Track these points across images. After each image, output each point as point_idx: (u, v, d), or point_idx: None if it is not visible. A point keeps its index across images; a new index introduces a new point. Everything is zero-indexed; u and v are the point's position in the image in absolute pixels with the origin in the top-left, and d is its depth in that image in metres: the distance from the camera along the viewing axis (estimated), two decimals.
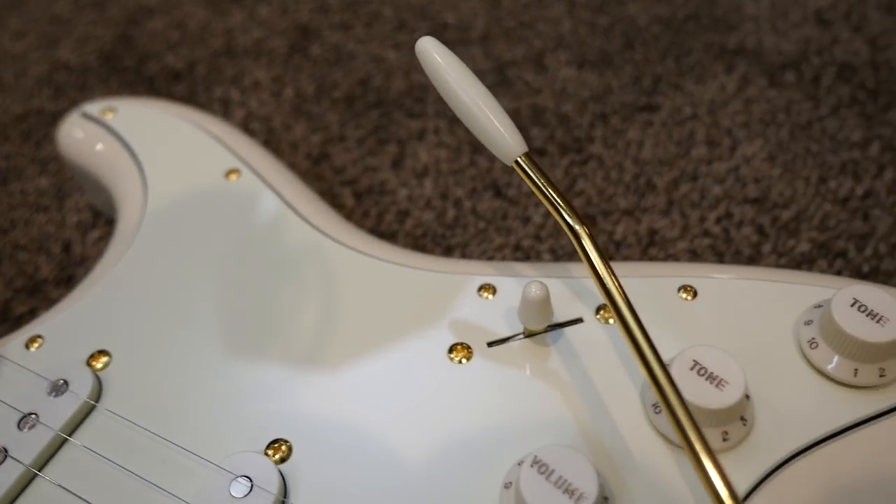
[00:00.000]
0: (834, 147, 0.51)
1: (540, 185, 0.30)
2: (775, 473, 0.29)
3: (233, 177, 0.40)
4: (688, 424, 0.25)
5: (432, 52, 0.31)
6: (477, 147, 0.53)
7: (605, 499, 0.28)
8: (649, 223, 0.47)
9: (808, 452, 0.29)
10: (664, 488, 0.29)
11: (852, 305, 0.30)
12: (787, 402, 0.30)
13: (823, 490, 0.28)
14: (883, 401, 0.30)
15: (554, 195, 0.29)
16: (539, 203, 0.49)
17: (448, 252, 0.47)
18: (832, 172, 0.49)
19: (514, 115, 0.54)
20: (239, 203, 0.39)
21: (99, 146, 0.43)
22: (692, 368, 0.29)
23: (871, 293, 0.31)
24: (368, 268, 0.36)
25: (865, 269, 0.44)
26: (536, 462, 0.27)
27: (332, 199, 0.50)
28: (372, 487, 0.29)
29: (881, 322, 0.30)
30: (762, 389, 0.31)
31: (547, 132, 0.53)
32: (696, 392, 0.28)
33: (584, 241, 0.29)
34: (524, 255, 0.46)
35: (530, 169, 0.30)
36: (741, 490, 0.28)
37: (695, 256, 0.45)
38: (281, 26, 0.63)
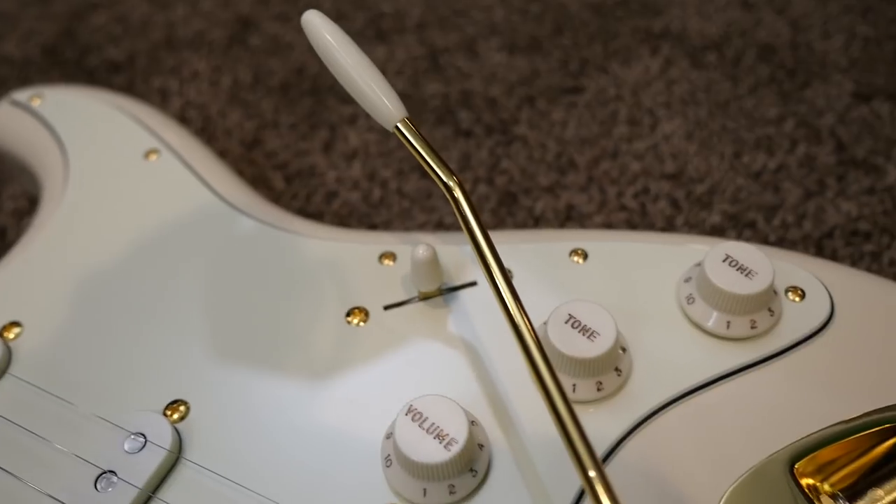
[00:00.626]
0: (750, 124, 0.52)
1: (417, 147, 0.31)
2: (649, 421, 0.30)
3: (152, 157, 0.41)
4: (547, 376, 0.26)
5: (317, 25, 0.32)
6: None
7: (481, 446, 0.29)
8: (568, 199, 0.48)
9: (681, 401, 0.30)
10: (543, 441, 0.30)
11: (724, 261, 0.32)
12: (663, 354, 0.32)
13: (695, 437, 0.29)
14: (754, 352, 0.31)
15: (428, 157, 0.31)
16: (463, 181, 0.50)
17: (371, 229, 0.48)
18: (747, 148, 0.51)
19: (444, 100, 0.55)
20: (157, 182, 0.40)
21: (25, 131, 0.44)
22: (566, 322, 0.30)
23: (742, 250, 0.32)
24: (275, 239, 0.37)
25: (772, 238, 0.45)
26: (411, 410, 0.28)
27: (263, 182, 0.51)
28: (266, 444, 0.30)
29: (750, 276, 0.31)
30: (641, 343, 0.32)
31: (474, 115, 0.54)
32: (569, 344, 0.30)
33: (455, 193, 0.30)
34: (445, 231, 0.47)
35: (409, 133, 0.31)
36: (612, 437, 0.29)
37: (610, 229, 0.47)
38: (222, 18, 0.64)
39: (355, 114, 0.55)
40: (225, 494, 0.29)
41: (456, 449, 0.27)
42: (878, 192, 0.47)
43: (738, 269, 0.31)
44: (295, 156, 0.53)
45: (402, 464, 0.28)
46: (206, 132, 0.55)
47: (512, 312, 0.27)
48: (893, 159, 0.49)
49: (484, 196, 0.49)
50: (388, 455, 0.29)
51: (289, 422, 0.31)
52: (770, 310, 0.32)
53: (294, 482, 0.29)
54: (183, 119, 0.56)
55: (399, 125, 0.31)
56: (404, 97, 0.55)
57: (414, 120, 0.32)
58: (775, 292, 0.32)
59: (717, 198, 0.48)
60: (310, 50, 0.60)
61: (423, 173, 0.51)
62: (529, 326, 0.27)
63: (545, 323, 0.30)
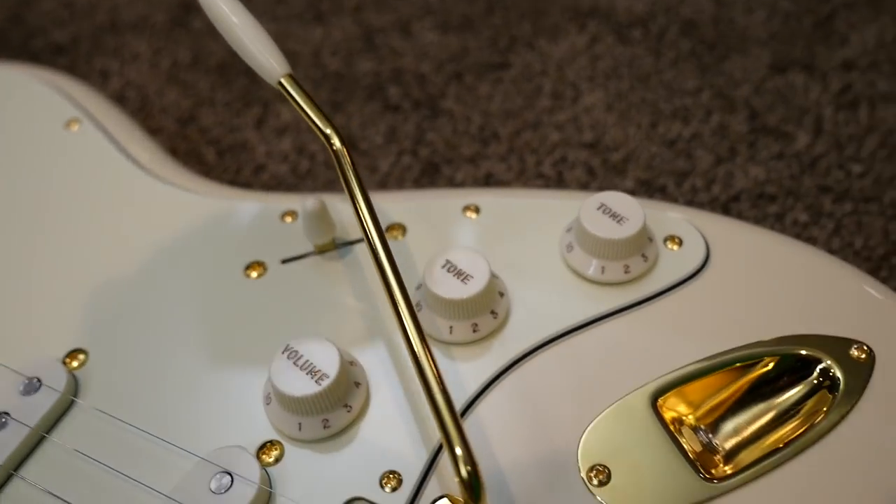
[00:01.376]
0: (668, 95, 0.53)
1: (300, 102, 0.32)
2: (524, 361, 0.31)
3: (73, 126, 0.43)
4: (409, 320, 0.27)
5: None
6: (337, 105, 0.55)
7: (358, 384, 0.30)
8: (488, 168, 0.50)
9: (555, 343, 0.31)
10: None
11: (598, 209, 0.33)
12: (542, 299, 0.33)
13: (567, 375, 0.31)
14: (628, 296, 0.32)
15: (310, 111, 0.32)
16: (388, 153, 0.51)
17: None
18: (663, 118, 0.52)
19: (375, 77, 0.57)
20: (78, 151, 0.41)
21: None
22: (443, 267, 0.31)
23: (616, 199, 0.33)
24: (186, 200, 0.38)
25: (681, 201, 0.47)
26: (287, 349, 0.29)
27: (195, 157, 0.52)
28: (160, 389, 0.31)
29: (621, 222, 0.32)
30: (522, 289, 0.33)
31: (403, 91, 0.55)
32: (444, 287, 0.31)
33: (333, 142, 0.31)
34: None
35: (292, 89, 0.32)
36: (485, 376, 0.31)
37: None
38: (165, 2, 0.65)
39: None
40: (117, 434, 0.30)
41: (326, 383, 0.28)
42: (786, 157, 0.49)
43: (610, 217, 0.32)
44: (228, 132, 0.54)
45: (279, 400, 0.29)
46: (144, 111, 0.56)
47: (384, 268, 0.28)
48: (804, 126, 0.50)
49: (407, 167, 0.50)
50: (269, 393, 0.30)
51: (183, 368, 0.32)
52: (644, 256, 0.33)
53: (183, 423, 0.30)
54: (121, 98, 0.57)
55: (282, 80, 0.32)
56: (337, 76, 0.56)
57: (300, 81, 0.33)
58: (651, 240, 0.33)
59: (631, 165, 0.49)
60: None
61: (353, 146, 0.52)
62: (395, 272, 0.28)
63: None
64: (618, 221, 0.32)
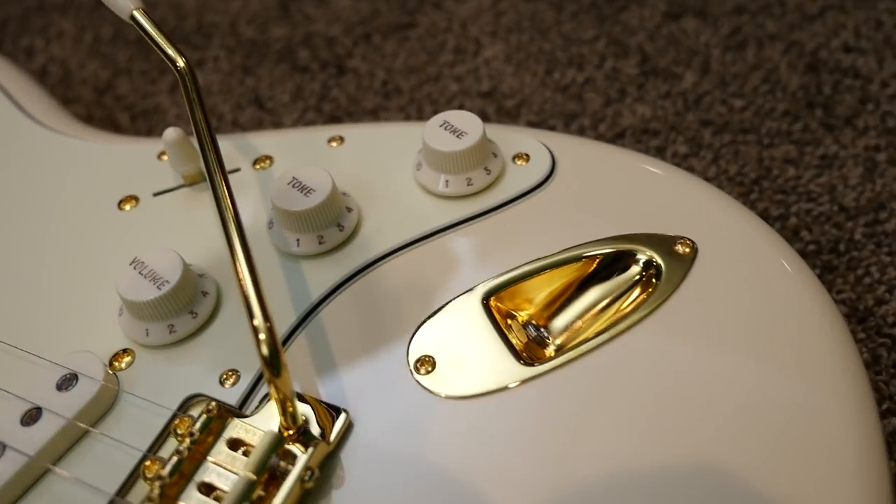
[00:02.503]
0: (566, 45, 0.55)
1: (151, 33, 0.34)
2: (370, 269, 0.33)
3: None
4: (235, 237, 0.28)
5: None
6: (248, 70, 0.57)
7: (205, 293, 0.32)
8: (387, 118, 0.51)
9: (400, 252, 0.33)
10: (272, 289, 0.32)
11: (441, 126, 0.34)
12: (390, 214, 0.34)
13: (410, 281, 0.32)
14: (472, 207, 0.34)
15: (162, 42, 0.33)
16: (293, 110, 0.53)
17: None
18: (559, 66, 0.53)
19: (287, 42, 0.58)
20: None
21: None
22: (289, 183, 0.33)
23: (459, 116, 0.35)
24: (69, 145, 0.40)
25: None
26: (134, 261, 0.31)
27: (110, 122, 0.54)
28: (25, 307, 0.33)
29: (461, 136, 0.34)
30: (373, 206, 0.35)
31: (312, 53, 0.57)
32: (287, 201, 0.32)
33: (178, 64, 0.33)
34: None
35: (145, 21, 0.34)
36: (328, 284, 0.32)
37: None
38: None
39: (203, 58, 0.58)
40: None
41: (167, 288, 0.30)
42: (672, 96, 0.50)
43: (451, 132, 0.34)
44: (142, 98, 0.56)
45: (128, 308, 0.31)
46: (64, 83, 0.58)
47: (215, 184, 0.30)
48: (693, 67, 0.52)
49: (310, 121, 0.52)
50: (121, 305, 0.31)
51: (51, 287, 0.34)
52: (486, 169, 0.34)
53: (47, 336, 0.32)
54: (44, 73, 0.59)
55: (134, 13, 0.34)
56: (251, 43, 0.58)
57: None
58: (495, 155, 0.35)
59: (524, 109, 0.51)
60: (171, 6, 0.63)
61: (260, 106, 0.54)
62: (227, 194, 0.30)
63: None
64: (458, 136, 0.34)
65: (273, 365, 0.25)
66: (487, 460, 0.26)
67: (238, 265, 0.27)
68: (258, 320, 0.26)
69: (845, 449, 0.25)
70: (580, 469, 0.25)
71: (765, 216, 0.42)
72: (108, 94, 0.56)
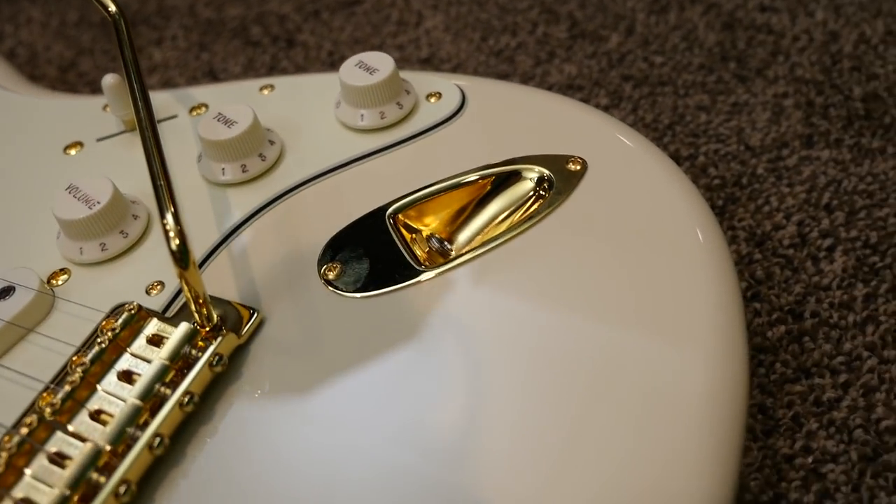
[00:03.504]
0: (501, 14, 0.58)
1: None
2: (289, 195, 0.35)
3: None
4: (157, 167, 0.31)
5: None
6: (204, 46, 0.60)
7: (136, 216, 0.34)
8: None
9: (316, 180, 0.36)
10: (199, 213, 0.35)
11: (356, 65, 0.37)
12: (310, 147, 0.37)
13: (323, 206, 0.35)
14: (387, 137, 0.37)
15: None
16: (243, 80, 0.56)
17: None
18: (494, 33, 0.56)
19: (241, 20, 0.61)
20: None
21: None
22: (214, 118, 0.36)
23: (374, 56, 0.37)
24: (21, 101, 0.43)
25: None
26: (70, 187, 0.33)
27: None
28: None
29: (373, 73, 0.37)
30: (295, 141, 0.37)
31: (264, 29, 0.60)
32: (212, 132, 0.35)
33: (110, 9, 0.36)
34: None
35: None
36: (249, 208, 0.34)
37: None
38: None
39: (162, 37, 0.61)
40: None
41: (97, 208, 0.32)
42: (598, 55, 0.53)
43: (365, 70, 0.37)
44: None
45: (63, 229, 0.33)
46: (31, 63, 0.61)
47: (141, 119, 0.32)
48: (618, 30, 0.55)
49: None
50: (59, 230, 0.34)
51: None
52: (399, 104, 0.37)
53: None
54: (12, 55, 0.62)
55: None
56: (208, 23, 0.61)
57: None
58: (408, 92, 0.38)
59: (459, 72, 0.53)
60: None
61: (214, 77, 0.56)
62: (150, 127, 0.32)
63: None
64: (371, 73, 0.37)
65: (182, 258, 0.28)
66: (381, 351, 0.29)
67: (154, 166, 0.30)
68: (168, 220, 0.28)
69: (704, 333, 0.27)
70: (474, 353, 0.28)
71: (675, 157, 0.45)
72: (72, 71, 0.59)
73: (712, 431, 0.25)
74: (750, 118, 0.47)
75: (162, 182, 0.29)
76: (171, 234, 0.28)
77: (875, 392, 0.33)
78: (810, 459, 0.32)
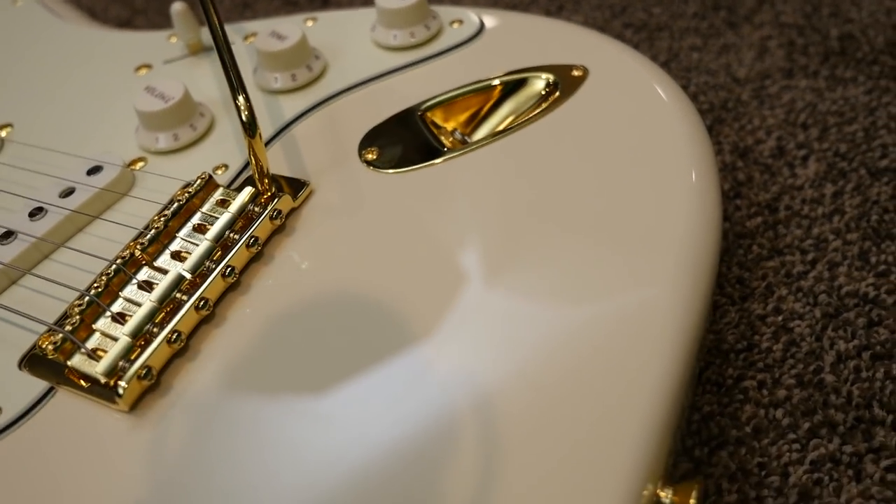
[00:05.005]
0: None
1: None
2: (332, 100, 0.40)
3: (18, 3, 0.53)
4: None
5: None
6: (248, 5, 0.65)
7: (202, 114, 0.40)
8: None
9: (355, 89, 0.41)
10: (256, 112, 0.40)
11: None
12: (350, 62, 0.42)
13: (361, 107, 0.40)
14: (415, 55, 0.42)
15: None
16: None
17: None
18: None
19: None
20: (21, 19, 0.52)
21: None
22: (269, 35, 0.41)
23: None
24: (98, 36, 0.48)
25: None
26: (147, 87, 0.39)
27: None
28: (65, 135, 0.41)
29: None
30: (337, 57, 0.42)
31: None
32: (268, 45, 0.40)
33: None
34: None
35: None
36: (297, 111, 0.40)
37: None
38: None
39: None
40: (35, 156, 0.40)
41: (172, 102, 0.38)
42: (602, 7, 0.58)
43: None
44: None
45: (142, 122, 0.39)
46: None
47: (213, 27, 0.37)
48: None
49: None
50: (137, 124, 0.39)
51: (81, 122, 0.42)
52: (426, 26, 0.42)
53: (84, 150, 0.40)
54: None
55: None
56: None
57: None
58: (434, 17, 0.43)
59: None
60: None
61: None
62: (219, 27, 0.38)
63: None
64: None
65: (250, 128, 0.33)
66: (409, 210, 0.33)
67: (225, 59, 0.35)
68: (240, 99, 0.33)
69: (681, 234, 0.31)
70: (478, 213, 0.33)
71: None
72: (128, 27, 0.65)
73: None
74: (737, 56, 0.52)
75: (233, 72, 0.34)
76: (243, 109, 0.33)
77: (838, 266, 0.38)
78: (780, 318, 0.37)
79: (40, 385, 0.30)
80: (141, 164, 0.38)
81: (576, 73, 0.39)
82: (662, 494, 0.26)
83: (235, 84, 0.34)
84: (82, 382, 0.29)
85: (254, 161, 0.34)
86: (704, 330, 0.28)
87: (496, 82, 0.39)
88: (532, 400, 0.26)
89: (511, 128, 0.37)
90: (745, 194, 0.42)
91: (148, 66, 0.45)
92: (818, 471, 0.31)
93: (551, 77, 0.39)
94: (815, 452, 0.32)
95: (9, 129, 0.42)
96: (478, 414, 0.26)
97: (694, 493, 0.26)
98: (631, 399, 0.26)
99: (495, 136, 0.36)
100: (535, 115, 0.37)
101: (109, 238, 0.34)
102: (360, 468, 0.25)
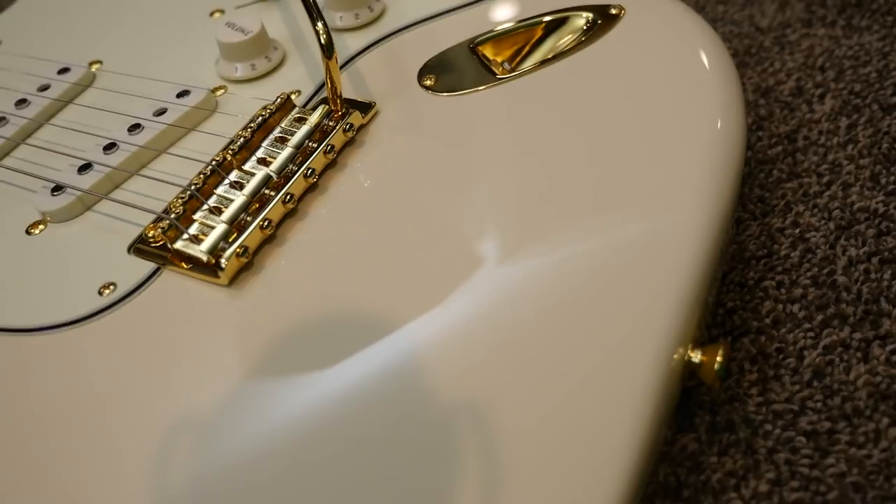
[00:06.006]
0: None
1: None
2: (394, 36, 0.44)
3: None
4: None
5: None
6: None
7: (275, 48, 0.44)
8: None
9: (414, 27, 0.45)
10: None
11: None
12: (407, 2, 0.46)
13: (418, 45, 0.43)
14: None
15: None
16: None
17: None
18: None
19: None
20: None
21: None
22: None
23: None
24: None
25: None
26: (228, 22, 0.43)
27: None
28: (148, 65, 0.45)
29: None
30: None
31: None
32: None
33: None
34: None
35: None
36: (359, 46, 0.44)
37: None
38: None
39: None
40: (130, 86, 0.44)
41: (249, 35, 0.42)
42: None
43: None
44: None
45: (223, 53, 0.43)
46: None
47: None
48: None
49: None
50: (217, 57, 0.44)
51: (163, 57, 0.46)
52: None
53: (177, 77, 0.44)
54: None
55: None
56: None
57: None
58: None
59: None
60: None
61: None
62: None
63: None
64: None
65: (328, 50, 0.37)
66: (465, 131, 0.37)
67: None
68: (319, 25, 0.37)
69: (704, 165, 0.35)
70: (521, 133, 0.37)
71: None
72: None
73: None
74: (760, 9, 0.55)
75: (312, 1, 0.38)
76: (322, 33, 0.37)
77: (851, 187, 0.42)
78: (797, 230, 0.40)
79: (148, 266, 0.34)
80: (221, 91, 0.42)
81: (613, 10, 0.42)
82: (692, 355, 0.30)
83: (314, 11, 0.38)
84: (183, 264, 0.33)
85: (329, 81, 0.37)
86: (730, 235, 0.32)
87: (540, 21, 0.43)
88: (583, 277, 0.30)
89: (552, 58, 0.40)
90: (767, 127, 0.46)
91: (221, 11, 0.49)
92: (830, 354, 0.35)
93: (591, 15, 0.42)
94: (827, 339, 0.35)
95: (99, 65, 0.47)
96: (548, 295, 0.30)
97: (720, 353, 0.30)
98: (669, 272, 0.30)
99: (539, 65, 0.40)
100: (575, 48, 0.41)
101: (200, 150, 0.38)
102: (426, 347, 0.29)
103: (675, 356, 0.29)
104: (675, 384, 0.29)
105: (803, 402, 0.33)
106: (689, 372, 0.30)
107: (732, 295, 0.38)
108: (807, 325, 0.36)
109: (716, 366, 0.29)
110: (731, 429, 0.33)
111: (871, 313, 0.36)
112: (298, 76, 0.43)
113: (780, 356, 0.35)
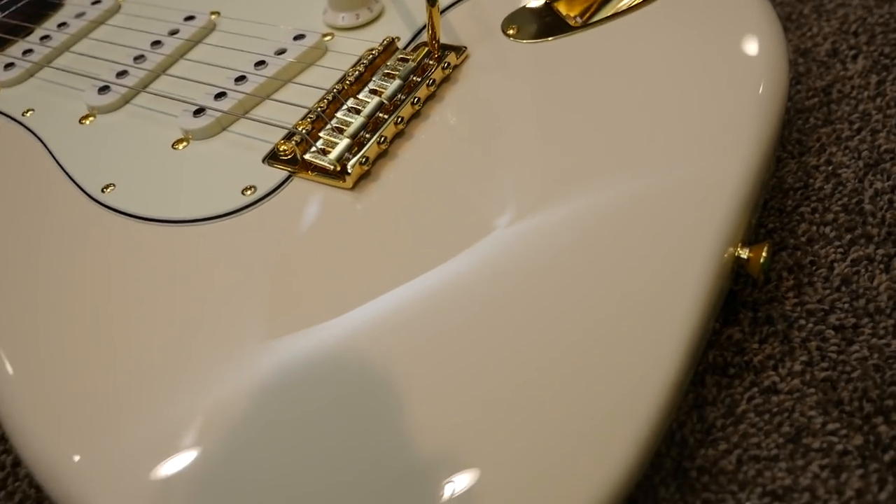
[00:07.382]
0: None
1: None
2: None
3: None
4: None
5: None
6: None
7: (377, 0, 0.49)
8: None
9: None
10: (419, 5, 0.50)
11: None
12: None
13: (502, 7, 0.49)
14: None
15: None
16: None
17: None
18: None
19: None
20: None
21: None
22: None
23: None
24: None
25: None
26: None
27: None
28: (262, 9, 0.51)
29: None
30: None
31: None
32: None
33: None
34: None
35: None
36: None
37: None
38: None
39: None
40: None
41: None
42: None
43: None
44: None
45: (329, 3, 0.48)
46: None
47: None
48: None
49: None
50: (325, 7, 0.49)
51: (275, 15, 0.52)
52: None
53: (289, 23, 0.50)
54: None
55: None
56: None
57: None
58: None
59: None
60: None
61: None
62: None
63: None
64: None
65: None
66: (547, 72, 0.43)
67: None
68: None
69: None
70: (597, 76, 0.42)
71: None
72: None
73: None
74: None
75: None
76: None
77: (879, 133, 0.47)
78: (830, 167, 0.45)
79: (281, 174, 0.40)
80: (328, 38, 0.48)
81: None
82: (741, 252, 0.35)
83: None
84: (311, 173, 0.39)
85: (430, 27, 0.43)
86: (771, 168, 0.38)
87: None
88: (660, 191, 0.35)
89: (619, 13, 0.46)
90: (804, 81, 0.51)
91: None
92: (857, 266, 0.40)
93: None
94: (854, 254, 0.41)
95: (217, 15, 0.53)
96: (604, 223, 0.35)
97: (765, 249, 0.35)
98: (725, 189, 0.35)
99: (608, 18, 0.46)
100: (639, 5, 0.46)
101: (316, 84, 0.44)
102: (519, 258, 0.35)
103: (726, 255, 0.34)
104: (726, 277, 0.34)
105: (832, 303, 0.39)
106: (738, 267, 0.35)
107: (773, 219, 0.43)
108: (837, 243, 0.41)
109: (761, 260, 0.35)
110: (771, 322, 0.38)
111: (893, 234, 0.41)
112: (397, 25, 0.48)
113: (814, 267, 0.40)
